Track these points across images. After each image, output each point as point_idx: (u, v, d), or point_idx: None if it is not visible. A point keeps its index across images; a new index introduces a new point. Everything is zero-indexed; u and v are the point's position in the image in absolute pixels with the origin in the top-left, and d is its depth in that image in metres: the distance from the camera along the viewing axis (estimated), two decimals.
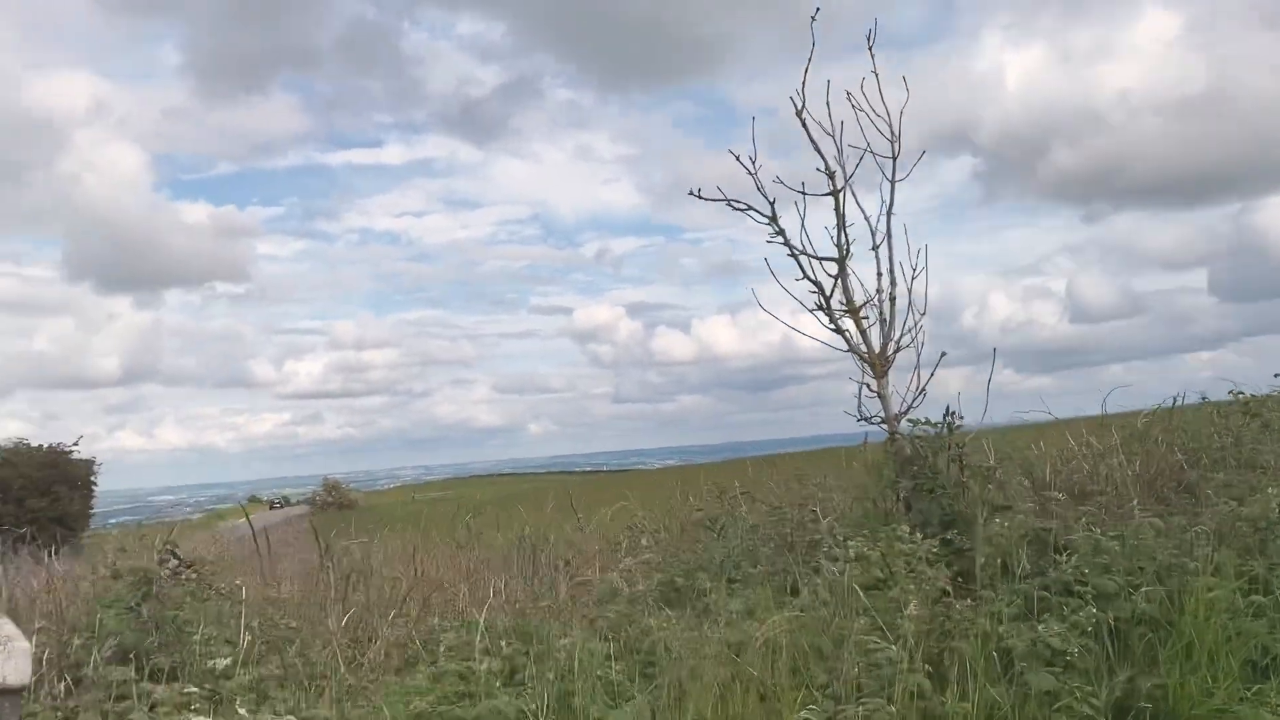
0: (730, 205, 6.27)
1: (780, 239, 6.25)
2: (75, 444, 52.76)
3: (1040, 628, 4.36)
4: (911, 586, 4.32)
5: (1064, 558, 4.99)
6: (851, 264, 6.41)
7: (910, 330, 6.32)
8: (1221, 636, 4.67)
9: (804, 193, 6.36)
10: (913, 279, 6.35)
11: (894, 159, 6.46)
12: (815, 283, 6.27)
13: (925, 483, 5.84)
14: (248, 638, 5.03)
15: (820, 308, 6.30)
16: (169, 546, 5.48)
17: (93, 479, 53.64)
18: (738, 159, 6.17)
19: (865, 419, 6.41)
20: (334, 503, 72.83)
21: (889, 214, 6.41)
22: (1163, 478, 7.57)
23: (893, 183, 6.41)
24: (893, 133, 6.46)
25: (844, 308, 6.28)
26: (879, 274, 6.41)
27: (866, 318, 6.33)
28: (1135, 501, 6.49)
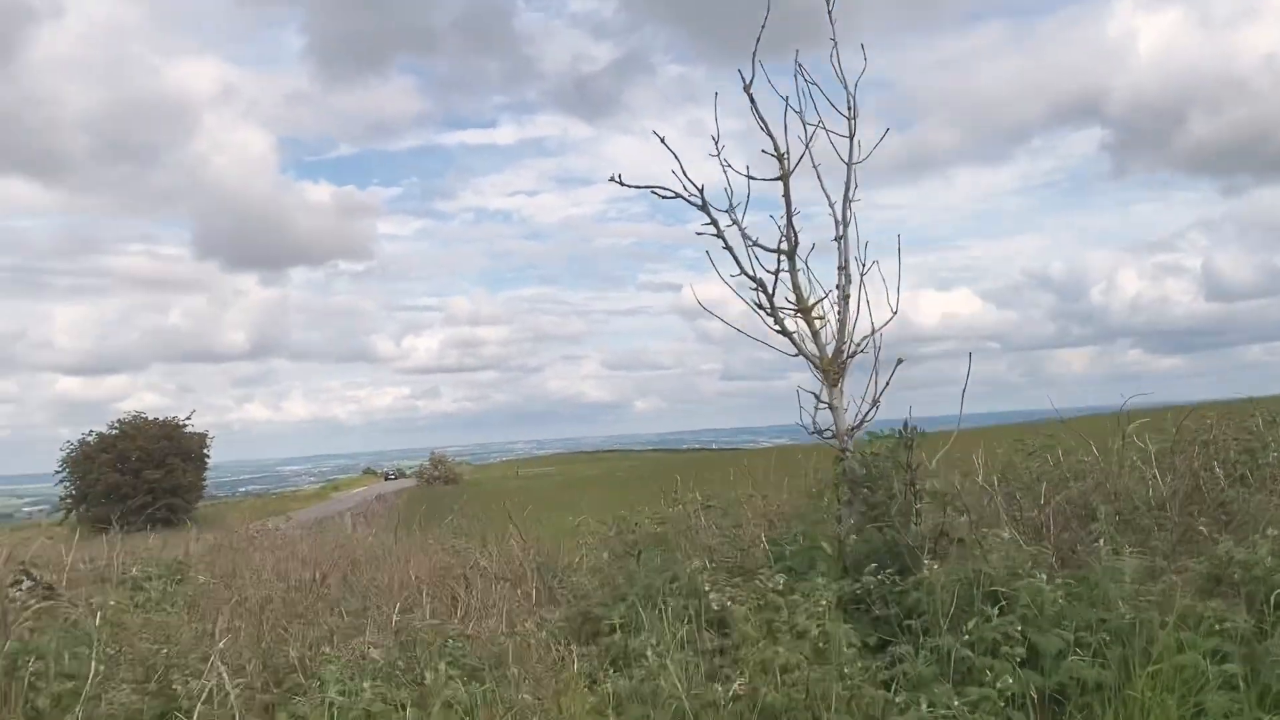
0: (655, 193, 5.61)
1: (713, 229, 5.58)
2: (188, 417, 55.13)
3: (924, 704, 3.63)
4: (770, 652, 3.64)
5: (999, 609, 4.24)
6: (814, 259, 5.71)
7: (871, 334, 5.58)
8: (1177, 716, 3.83)
9: (750, 177, 5.66)
10: (863, 274, 5.60)
11: (851, 138, 5.70)
12: (754, 278, 5.58)
13: (873, 510, 5.14)
14: (100, 668, 4.68)
15: (761, 306, 5.60)
16: (22, 566, 5.18)
17: (206, 452, 56.15)
18: (662, 141, 5.51)
19: (817, 432, 5.72)
20: (439, 477, 74.29)
21: (847, 200, 5.67)
22: (1197, 498, 6.59)
23: (850, 164, 5.65)
24: (850, 108, 5.69)
25: (793, 306, 5.58)
26: (838, 268, 5.69)
27: (821, 318, 5.61)
28: (1131, 530, 5.65)
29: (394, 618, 5.01)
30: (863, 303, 5.59)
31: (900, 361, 5.64)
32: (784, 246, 5.64)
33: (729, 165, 5.65)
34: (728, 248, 5.60)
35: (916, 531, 4.92)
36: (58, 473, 52.17)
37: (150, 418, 54.82)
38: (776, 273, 5.60)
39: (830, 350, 5.57)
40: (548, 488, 54.18)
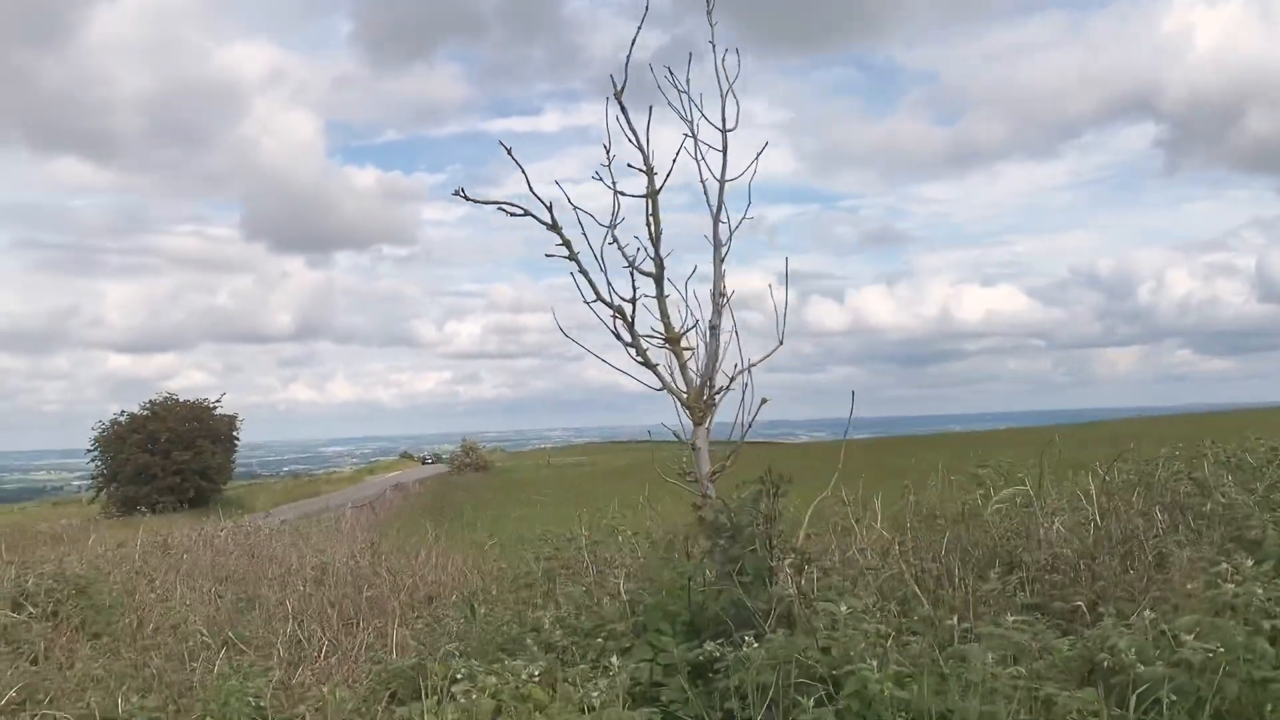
0: (503, 209, 5.12)
1: (565, 251, 5.09)
2: (218, 400, 55.73)
3: None
4: None
5: (827, 695, 3.73)
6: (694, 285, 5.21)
7: (742, 367, 5.07)
8: None
9: (619, 192, 5.16)
10: (725, 302, 5.08)
11: (724, 151, 5.15)
12: (610, 304, 5.07)
13: (732, 565, 4.63)
14: None
15: (617, 336, 5.11)
16: None
17: (235, 434, 56.72)
18: (509, 152, 5.00)
19: (681, 476, 5.23)
20: (470, 464, 74.45)
21: (717, 220, 5.14)
22: (1138, 549, 5.98)
23: (722, 182, 5.11)
24: (723, 111, 5.15)
25: (661, 336, 5.09)
26: (713, 294, 5.18)
27: (691, 349, 5.11)
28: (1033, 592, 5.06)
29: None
30: (735, 335, 5.08)
31: (764, 402, 5.14)
32: (649, 270, 5.14)
33: (609, 180, 5.14)
34: (583, 271, 5.10)
35: (767, 594, 4.43)
36: (89, 451, 53.00)
37: (181, 399, 55.49)
38: (634, 300, 5.10)
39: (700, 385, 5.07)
40: (573, 479, 54.00)
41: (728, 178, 5.12)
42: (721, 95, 5.11)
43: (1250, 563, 4.14)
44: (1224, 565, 4.06)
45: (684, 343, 5.11)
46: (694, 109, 5.12)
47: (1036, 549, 5.74)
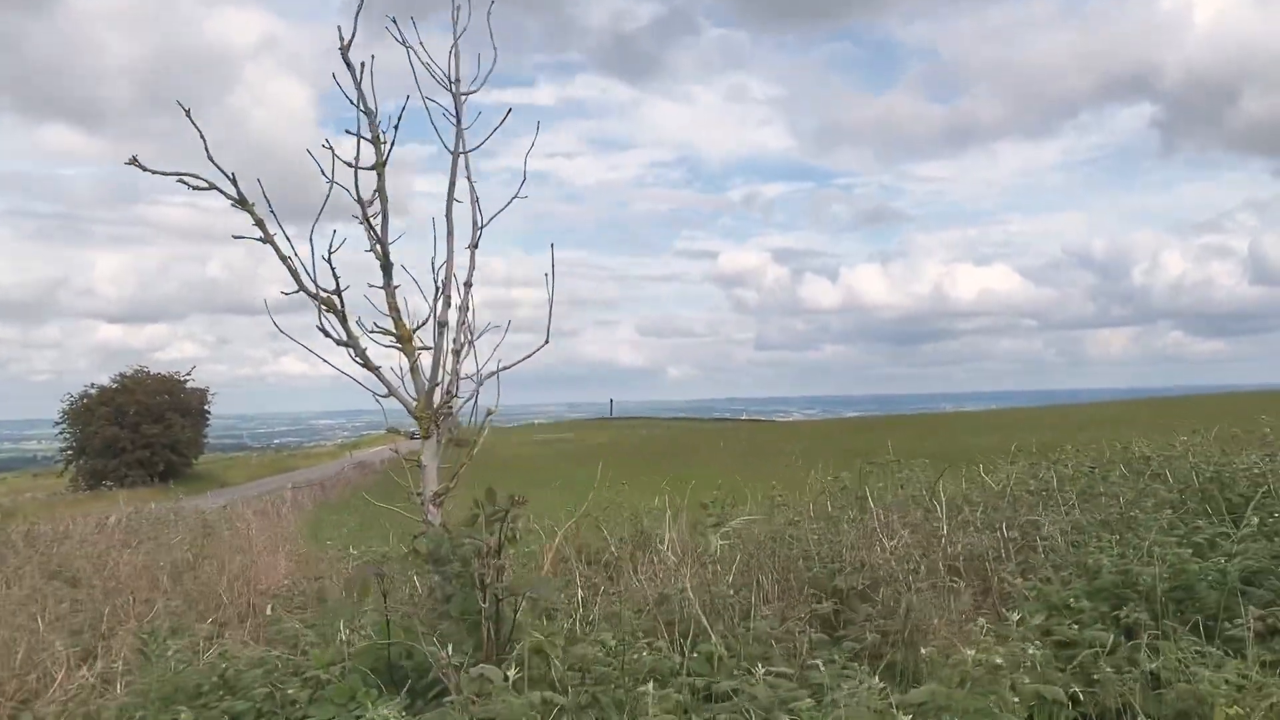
0: (184, 181, 4.36)
1: (260, 233, 4.35)
2: (189, 373, 55.15)
3: None
4: None
5: None
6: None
7: (479, 378, 4.36)
8: None
9: (349, 164, 4.41)
10: (466, 293, 4.37)
11: (458, 120, 4.41)
12: (314, 295, 4.33)
13: (448, 604, 3.94)
14: None
15: (325, 331, 4.38)
16: None
17: (206, 407, 56.19)
18: (189, 118, 4.23)
19: (416, 495, 4.53)
20: (452, 439, 73.96)
21: (452, 198, 4.42)
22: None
23: (455, 153, 4.38)
24: (449, 77, 4.41)
25: (393, 334, 4.37)
26: (441, 283, 4.45)
27: (429, 348, 4.39)
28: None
29: None
30: (474, 335, 4.35)
31: (490, 414, 4.45)
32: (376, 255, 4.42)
33: (332, 148, 4.38)
34: (282, 258, 4.35)
35: (478, 639, 3.74)
36: (58, 424, 52.42)
37: (152, 372, 54.98)
38: (338, 291, 4.36)
39: (436, 393, 4.36)
40: (545, 457, 53.33)
41: (468, 149, 4.36)
42: (455, 40, 4.35)
43: (1016, 617, 3.45)
44: (980, 621, 3.37)
45: (419, 342, 4.39)
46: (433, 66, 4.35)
47: (854, 574, 5.04)
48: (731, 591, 4.42)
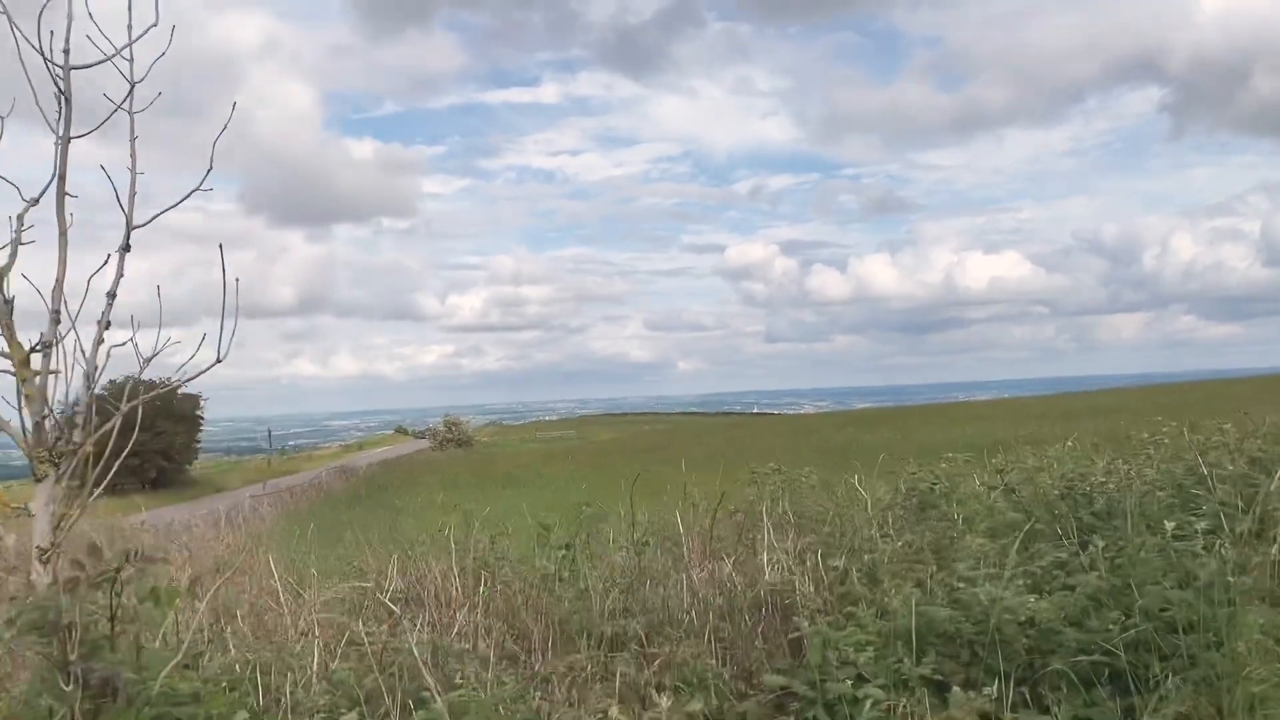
0: None
1: None
2: (180, 376, 54.66)
3: None
4: None
5: None
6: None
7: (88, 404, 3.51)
8: None
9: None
10: (108, 305, 3.59)
11: (65, 100, 3.54)
12: None
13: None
14: None
15: None
16: None
17: (199, 413, 55.72)
18: None
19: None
20: (453, 439, 73.26)
21: (63, 193, 3.56)
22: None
23: (62, 137, 3.50)
24: (49, 49, 3.54)
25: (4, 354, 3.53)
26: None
27: (56, 372, 3.53)
28: None
29: None
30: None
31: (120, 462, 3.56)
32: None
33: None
34: None
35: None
36: None
37: (143, 378, 54.52)
38: None
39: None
40: (541, 456, 52.73)
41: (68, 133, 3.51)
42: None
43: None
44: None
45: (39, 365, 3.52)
46: None
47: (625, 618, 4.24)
48: (467, 645, 3.67)
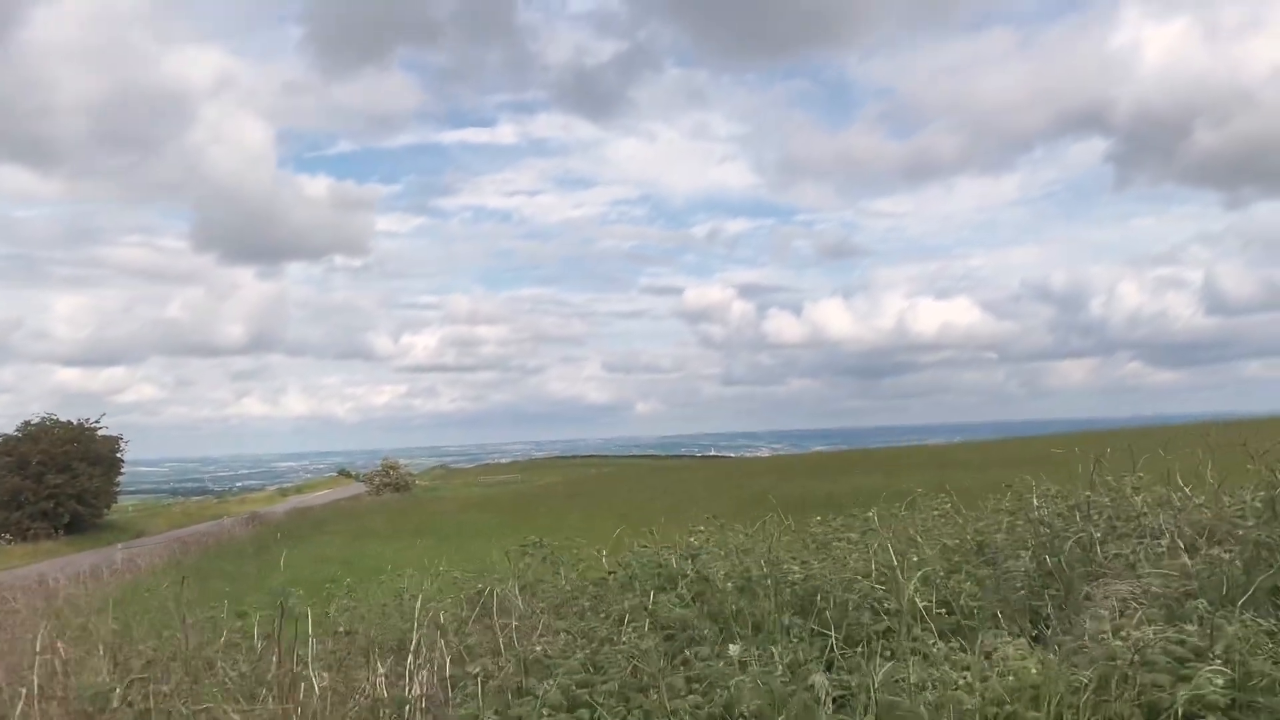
0: None
1: None
2: (97, 420, 52.84)
3: None
4: None
5: None
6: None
7: None
8: None
9: None
10: None
11: None
12: None
13: None
14: None
15: None
16: None
17: (119, 454, 53.74)
18: None
19: None
20: (390, 484, 71.61)
21: None
22: None
23: None
24: None
25: None
26: None
27: None
28: None
29: None
30: None
31: None
32: None
33: None
34: None
35: None
36: None
37: (61, 419, 52.79)
38: None
39: None
40: (468, 503, 51.39)
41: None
42: None
43: None
44: None
45: None
46: None
47: None
48: None
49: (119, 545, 26.88)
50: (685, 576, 4.47)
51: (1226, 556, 3.36)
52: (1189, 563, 3.42)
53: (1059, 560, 3.81)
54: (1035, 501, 5.26)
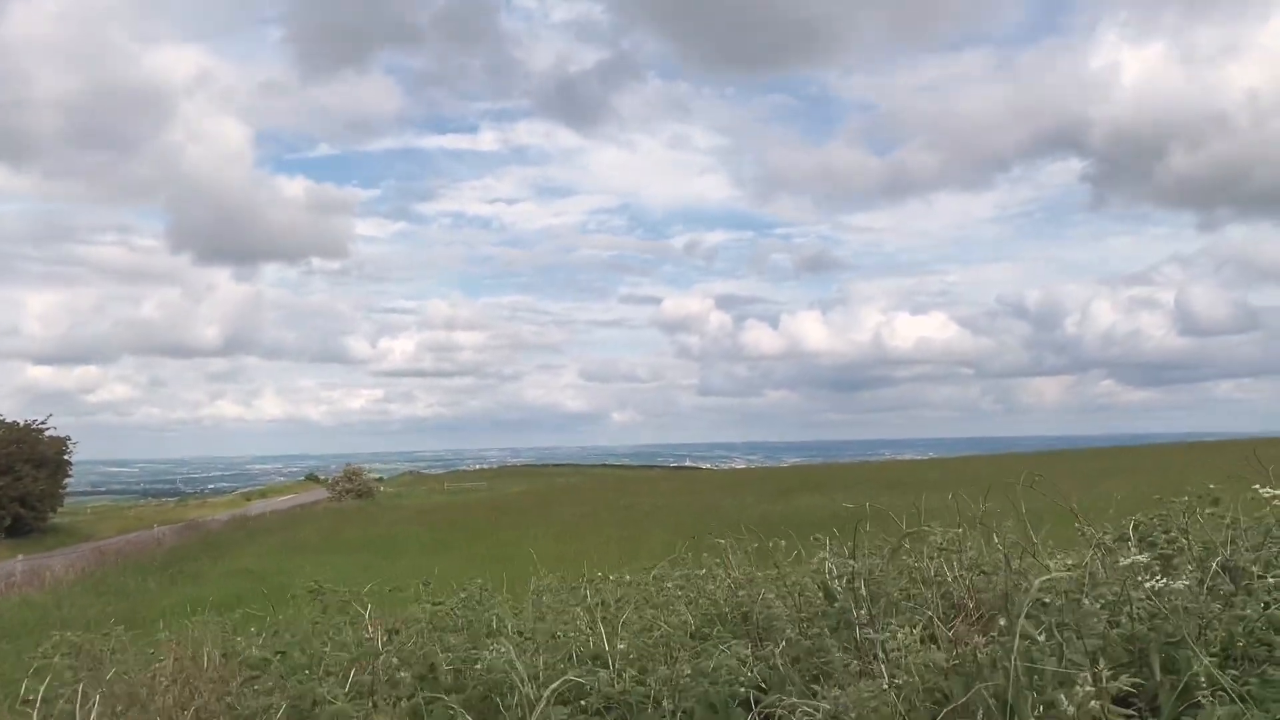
0: None
1: None
2: (44, 421, 51.75)
3: None
4: None
5: None
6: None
7: None
8: None
9: None
10: None
11: None
12: None
13: None
14: None
15: None
16: None
17: (66, 457, 52.62)
18: None
19: None
20: (352, 490, 70.54)
21: None
22: None
23: None
24: None
25: None
26: None
27: None
28: None
29: None
30: None
31: None
32: None
33: None
34: None
35: None
36: None
37: (5, 420, 51.60)
38: None
39: None
40: (418, 513, 50.64)
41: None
42: None
43: None
44: None
45: None
46: None
47: None
48: None
49: (19, 557, 25.89)
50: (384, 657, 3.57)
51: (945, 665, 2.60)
52: (938, 659, 2.72)
53: (773, 654, 3.08)
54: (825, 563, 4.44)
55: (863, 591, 3.61)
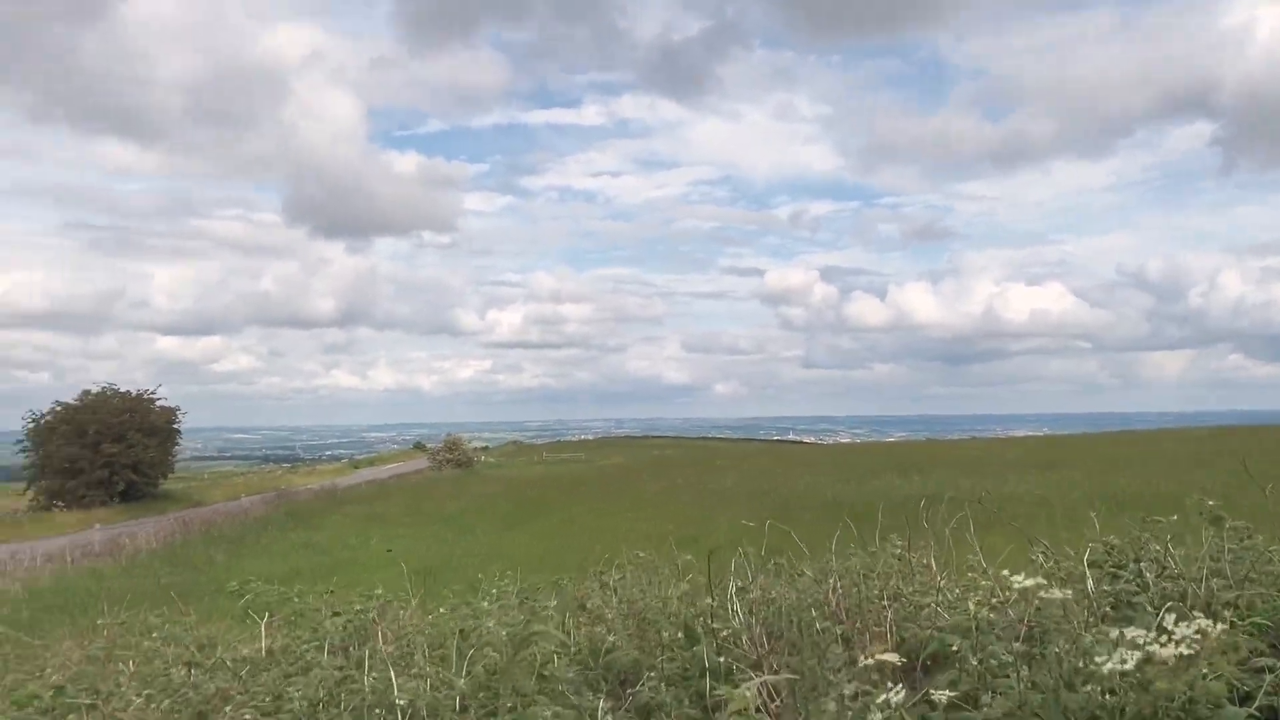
0: None
1: None
2: (155, 391, 53.65)
3: None
4: None
5: None
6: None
7: None
8: None
9: None
10: None
11: None
12: None
13: None
14: None
15: None
16: None
17: (175, 425, 54.48)
18: None
19: None
20: (452, 459, 71.49)
21: None
22: None
23: None
24: None
25: None
26: None
27: None
28: None
29: None
30: None
31: None
32: None
33: None
34: None
35: None
36: (19, 443, 51.39)
37: (120, 389, 53.78)
38: None
39: None
40: (522, 481, 50.96)
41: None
42: None
43: None
44: None
45: None
46: None
47: None
48: None
49: (95, 526, 26.51)
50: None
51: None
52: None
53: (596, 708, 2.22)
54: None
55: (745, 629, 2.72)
